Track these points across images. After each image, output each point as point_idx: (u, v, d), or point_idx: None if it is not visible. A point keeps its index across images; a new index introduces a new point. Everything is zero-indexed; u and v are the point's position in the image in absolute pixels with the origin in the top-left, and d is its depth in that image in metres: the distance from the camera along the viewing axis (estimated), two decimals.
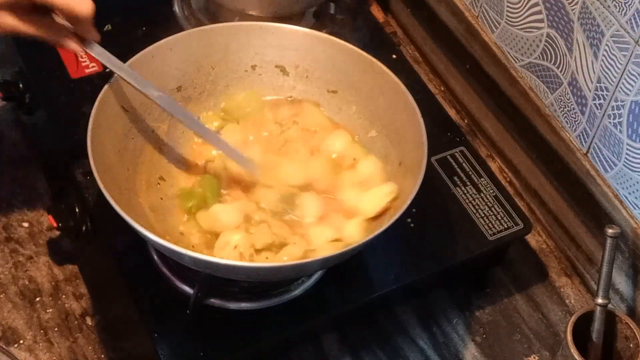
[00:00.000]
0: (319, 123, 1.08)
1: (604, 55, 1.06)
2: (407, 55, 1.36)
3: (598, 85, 1.09)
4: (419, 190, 0.93)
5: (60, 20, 0.91)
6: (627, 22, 1.01)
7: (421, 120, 0.99)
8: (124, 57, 1.01)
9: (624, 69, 1.04)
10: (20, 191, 1.23)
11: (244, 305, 0.99)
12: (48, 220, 1.07)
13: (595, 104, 1.11)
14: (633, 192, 1.08)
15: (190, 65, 1.07)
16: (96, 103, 0.96)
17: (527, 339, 1.15)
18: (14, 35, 0.90)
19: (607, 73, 1.07)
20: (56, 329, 1.11)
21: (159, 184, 1.02)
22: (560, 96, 1.17)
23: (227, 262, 0.89)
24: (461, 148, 1.17)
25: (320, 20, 1.26)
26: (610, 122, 1.09)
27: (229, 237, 0.96)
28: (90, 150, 0.92)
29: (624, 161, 1.08)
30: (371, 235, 0.90)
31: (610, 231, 1.03)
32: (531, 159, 1.25)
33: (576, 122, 1.15)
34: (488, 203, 1.12)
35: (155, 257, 1.01)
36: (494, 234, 1.09)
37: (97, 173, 0.90)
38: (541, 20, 1.16)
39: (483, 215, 1.11)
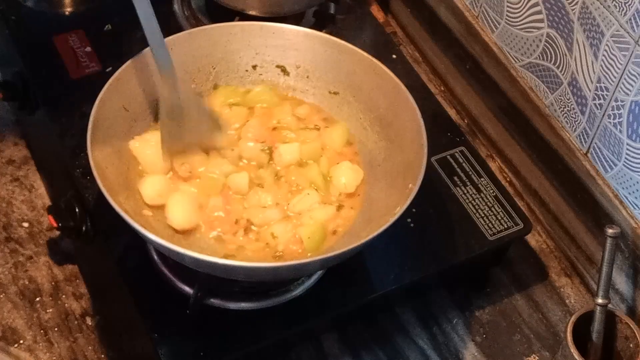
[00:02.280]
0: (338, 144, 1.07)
1: (604, 55, 1.06)
2: (407, 55, 1.36)
3: (598, 85, 1.09)
4: (419, 190, 0.93)
5: None
6: (627, 22, 1.01)
7: (421, 121, 0.99)
8: (124, 57, 1.01)
9: (624, 69, 1.04)
10: (20, 191, 1.23)
11: (244, 305, 0.99)
12: (48, 220, 1.07)
13: (595, 104, 1.11)
14: (633, 192, 1.08)
15: (190, 65, 1.07)
16: (96, 103, 0.96)
17: (527, 339, 1.15)
18: None
19: (607, 73, 1.07)
20: (56, 329, 1.11)
21: None
22: (560, 96, 1.17)
23: (227, 262, 0.89)
24: (461, 148, 1.17)
25: (320, 20, 1.26)
26: (610, 122, 1.09)
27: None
28: (90, 150, 0.92)
29: (624, 161, 1.08)
30: (371, 235, 0.90)
31: (610, 231, 1.03)
32: (531, 159, 1.25)
33: (576, 122, 1.15)
34: (488, 203, 1.12)
35: (155, 257, 1.01)
36: (494, 234, 1.09)
37: (97, 173, 0.90)
38: (541, 20, 1.16)
39: (483, 215, 1.11)
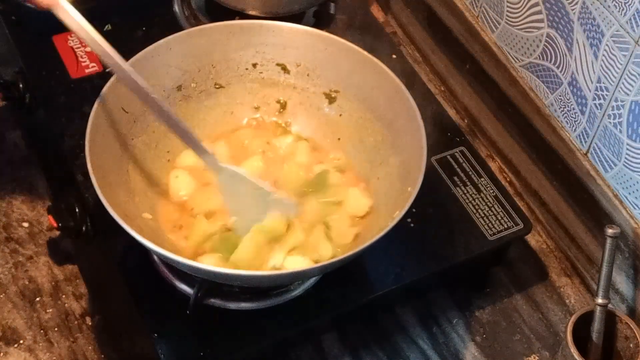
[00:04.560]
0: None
1: (604, 55, 1.06)
2: (407, 55, 1.36)
3: (598, 85, 1.09)
4: (419, 190, 0.93)
5: None
6: (627, 22, 1.01)
7: (421, 121, 0.99)
8: (124, 57, 1.01)
9: (624, 69, 1.04)
10: (20, 191, 1.23)
11: (244, 305, 0.99)
12: (48, 220, 1.07)
13: (595, 104, 1.11)
14: (633, 192, 1.08)
15: (190, 64, 1.07)
16: (96, 103, 0.96)
17: (527, 339, 1.15)
18: None
19: (607, 73, 1.07)
20: (56, 329, 1.11)
21: (159, 185, 1.02)
22: (560, 96, 1.17)
23: (224, 270, 0.90)
24: (461, 148, 1.17)
25: (320, 20, 1.26)
26: (610, 122, 1.09)
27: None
28: (88, 152, 0.92)
29: (624, 161, 1.08)
30: (370, 242, 0.90)
31: (610, 231, 1.03)
32: (531, 159, 1.25)
33: (576, 122, 1.15)
34: (488, 203, 1.12)
35: (155, 257, 1.01)
36: (494, 234, 1.09)
37: (95, 177, 0.90)
38: (541, 20, 1.16)
39: (483, 215, 1.11)
